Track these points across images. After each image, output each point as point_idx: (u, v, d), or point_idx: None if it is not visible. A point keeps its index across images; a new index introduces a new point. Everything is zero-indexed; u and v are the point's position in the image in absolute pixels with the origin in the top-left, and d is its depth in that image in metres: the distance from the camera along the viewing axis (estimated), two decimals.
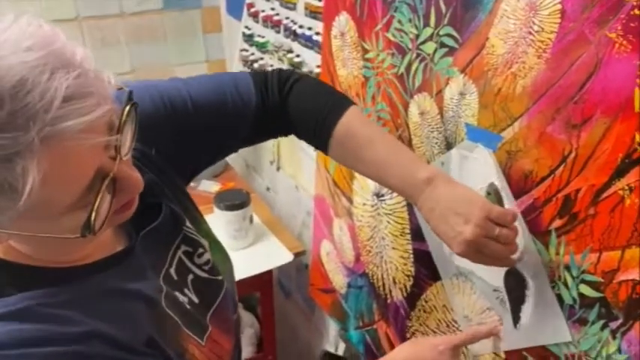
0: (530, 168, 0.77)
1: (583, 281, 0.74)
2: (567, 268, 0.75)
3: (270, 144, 1.94)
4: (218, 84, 0.79)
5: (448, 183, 0.74)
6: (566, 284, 0.76)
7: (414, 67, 0.93)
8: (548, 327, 0.80)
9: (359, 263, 1.22)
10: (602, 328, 0.72)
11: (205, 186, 1.91)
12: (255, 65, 1.91)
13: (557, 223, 0.75)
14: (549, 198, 0.75)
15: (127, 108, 0.55)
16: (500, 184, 0.82)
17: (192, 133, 0.77)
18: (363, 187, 1.14)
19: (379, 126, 0.97)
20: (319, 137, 0.79)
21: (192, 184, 1.91)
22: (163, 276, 0.71)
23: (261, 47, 1.88)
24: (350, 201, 1.20)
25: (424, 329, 1.06)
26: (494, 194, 0.82)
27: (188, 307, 0.73)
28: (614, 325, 0.71)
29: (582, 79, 0.68)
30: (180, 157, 0.77)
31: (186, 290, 0.74)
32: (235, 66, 2.15)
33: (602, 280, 0.71)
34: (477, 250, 0.71)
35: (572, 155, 0.71)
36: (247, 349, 1.78)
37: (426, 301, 1.04)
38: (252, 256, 1.60)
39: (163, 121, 0.74)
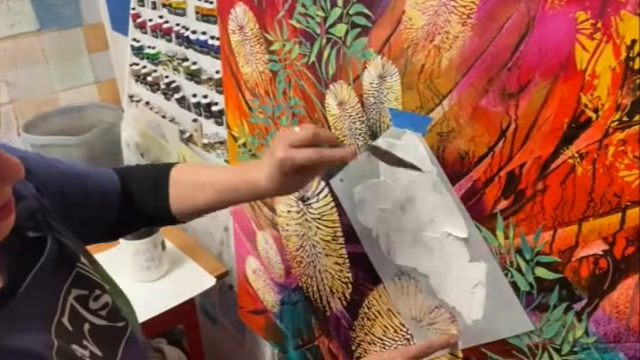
0: (465, 148, 0.70)
1: (538, 263, 0.67)
2: (519, 251, 0.69)
3: (175, 157, 1.81)
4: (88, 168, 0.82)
5: None
6: (519, 270, 0.69)
7: (325, 54, 0.84)
8: (505, 318, 0.73)
9: (290, 277, 1.11)
10: (566, 311, 0.66)
11: None
12: (149, 78, 1.77)
13: (503, 204, 0.68)
14: (491, 178, 0.69)
15: None
16: (435, 169, 0.74)
17: (73, 206, 0.73)
18: None
19: None
20: (159, 192, 0.81)
21: None
22: (55, 327, 0.58)
23: (153, 59, 1.75)
24: (272, 210, 1.09)
25: (370, 338, 0.97)
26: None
27: None
28: (578, 306, 0.65)
29: (514, 41, 0.61)
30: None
31: (85, 342, 0.61)
32: (127, 82, 1.99)
33: (560, 260, 0.65)
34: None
35: (512, 127, 0.65)
36: None
37: (369, 308, 0.95)
38: (169, 286, 1.45)
39: (55, 174, 0.71)
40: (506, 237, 0.69)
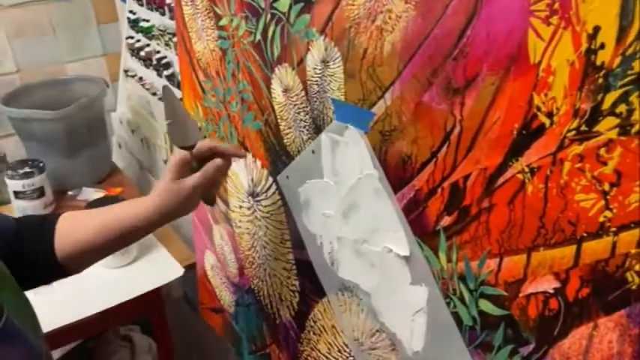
0: (408, 151, 0.59)
1: (483, 295, 0.56)
2: (462, 278, 0.57)
3: (162, 141, 1.73)
4: None
5: None
6: (462, 300, 0.58)
7: (270, 32, 0.73)
8: (446, 354, 0.62)
9: (244, 277, 1.02)
10: (511, 355, 0.55)
11: (87, 194, 1.66)
12: (142, 53, 1.69)
13: (446, 220, 0.57)
14: (433, 188, 0.57)
15: None
16: (377, 173, 0.63)
17: None
18: (237, 185, 0.94)
19: None
20: (42, 238, 0.73)
21: (71, 192, 1.67)
22: None
23: (147, 32, 1.66)
24: (226, 203, 0.99)
25: (316, 354, 0.87)
26: None
27: None
28: (524, 351, 0.54)
29: (461, 24, 0.49)
30: None
31: None
32: (123, 56, 1.92)
33: (506, 294, 0.54)
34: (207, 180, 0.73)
35: (457, 130, 0.53)
36: None
37: (315, 321, 0.85)
38: (135, 274, 1.36)
39: None
40: (449, 260, 0.58)
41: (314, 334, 0.86)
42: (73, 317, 1.25)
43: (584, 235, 0.45)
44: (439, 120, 0.54)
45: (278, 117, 0.77)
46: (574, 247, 0.47)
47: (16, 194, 1.50)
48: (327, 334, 0.83)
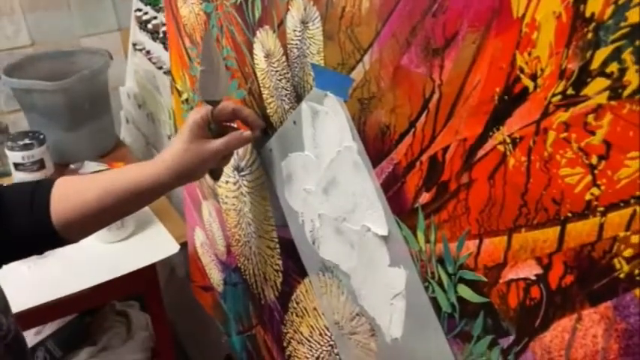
0: (386, 121, 0.54)
1: (461, 280, 0.51)
2: (441, 261, 0.52)
3: (166, 116, 1.69)
4: None
5: None
6: (441, 284, 0.53)
7: None
8: (424, 342, 0.57)
9: (230, 255, 0.98)
10: (491, 346, 0.50)
11: (89, 168, 1.63)
12: (149, 26, 1.65)
13: (424, 197, 0.52)
14: (412, 162, 0.52)
15: None
16: (357, 145, 0.58)
17: None
18: None
19: None
20: (34, 205, 0.68)
21: (73, 166, 1.65)
22: None
23: (154, 4, 1.62)
24: None
25: (299, 337, 0.83)
26: None
27: None
28: (504, 342, 0.49)
29: None
30: None
31: None
32: (132, 30, 1.88)
33: (486, 279, 0.49)
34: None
35: (436, 97, 0.48)
36: (140, 356, 1.53)
37: (297, 303, 0.81)
38: (131, 249, 1.34)
39: None
40: (428, 240, 0.53)
41: (296, 315, 0.82)
42: (67, 290, 1.24)
43: (569, 215, 0.40)
44: (418, 85, 0.49)
45: (261, 85, 0.73)
46: (558, 229, 0.41)
47: (16, 166, 1.48)
48: (309, 317, 0.78)
